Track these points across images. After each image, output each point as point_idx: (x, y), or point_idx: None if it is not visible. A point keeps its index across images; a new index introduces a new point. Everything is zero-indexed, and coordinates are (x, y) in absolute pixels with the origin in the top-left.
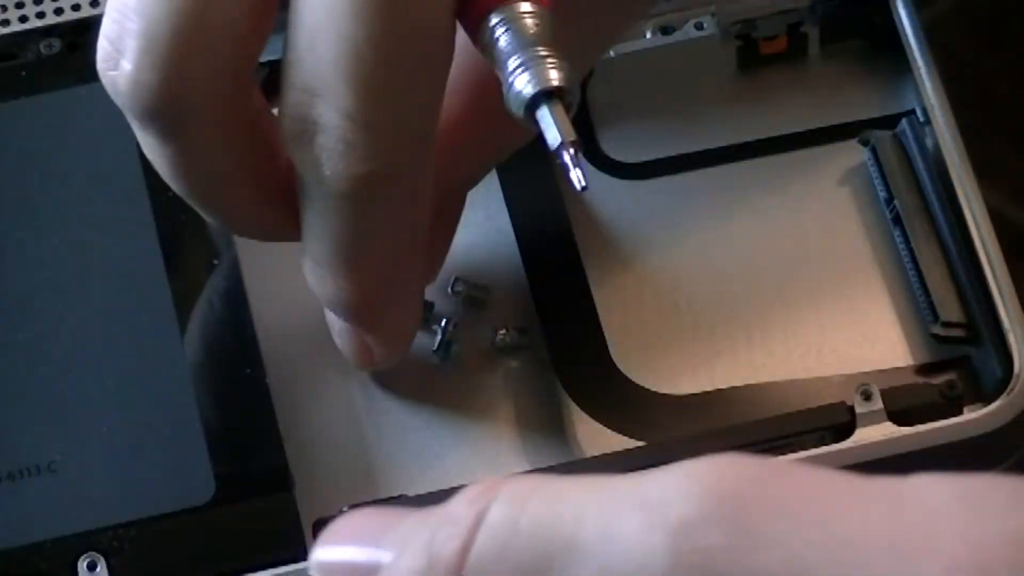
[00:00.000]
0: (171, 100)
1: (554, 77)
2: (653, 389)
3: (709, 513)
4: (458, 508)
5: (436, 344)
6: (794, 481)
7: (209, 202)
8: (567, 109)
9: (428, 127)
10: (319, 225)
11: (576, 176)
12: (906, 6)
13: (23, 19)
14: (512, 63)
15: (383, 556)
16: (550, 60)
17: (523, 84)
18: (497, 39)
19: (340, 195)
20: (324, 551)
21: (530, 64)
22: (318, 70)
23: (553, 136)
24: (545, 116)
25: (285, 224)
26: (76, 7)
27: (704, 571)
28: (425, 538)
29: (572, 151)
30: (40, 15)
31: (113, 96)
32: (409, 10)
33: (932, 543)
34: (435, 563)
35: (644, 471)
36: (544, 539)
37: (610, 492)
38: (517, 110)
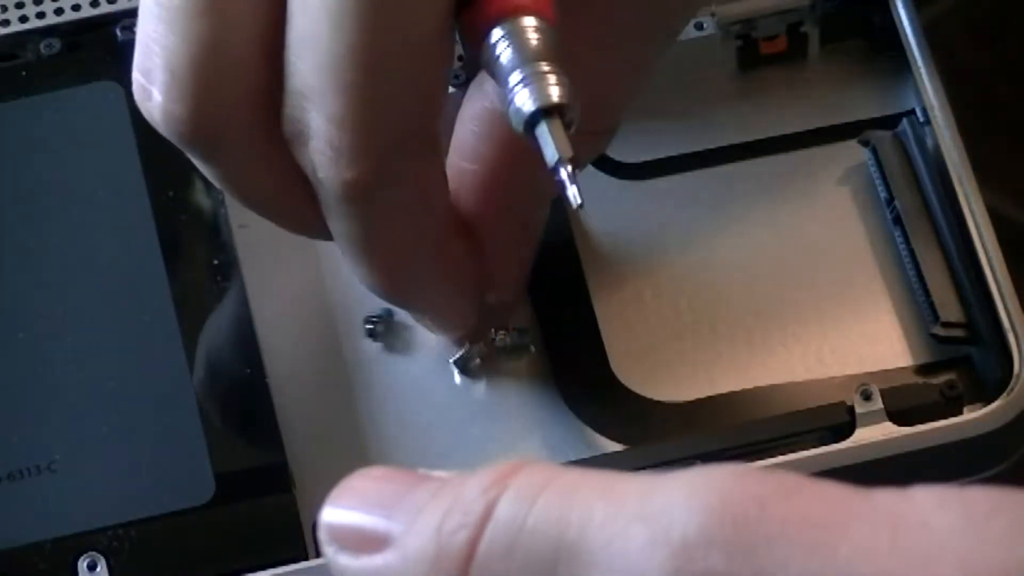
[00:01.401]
0: (201, 129)
1: (554, 93)
2: (652, 398)
3: (711, 533)
4: (470, 494)
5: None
6: (798, 501)
7: (266, 213)
8: (567, 126)
9: (419, 133)
10: (330, 221)
11: (573, 193)
12: (906, 6)
13: (23, 19)
14: (513, 79)
15: (392, 529)
16: (551, 76)
17: (523, 100)
18: (499, 55)
19: (336, 197)
20: (333, 512)
21: (531, 80)
22: (307, 76)
23: (551, 153)
24: (544, 133)
25: None
26: (76, 7)
27: None
28: (435, 521)
29: (570, 168)
30: (40, 15)
31: (153, 125)
32: (394, 20)
33: (932, 571)
34: (443, 552)
35: (654, 475)
36: (550, 540)
37: (618, 498)
38: (517, 126)
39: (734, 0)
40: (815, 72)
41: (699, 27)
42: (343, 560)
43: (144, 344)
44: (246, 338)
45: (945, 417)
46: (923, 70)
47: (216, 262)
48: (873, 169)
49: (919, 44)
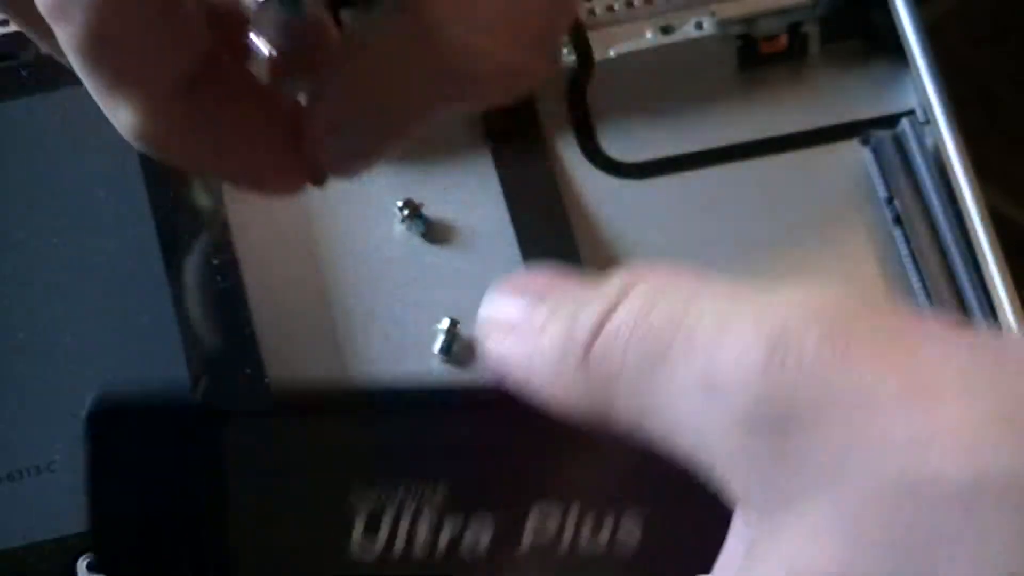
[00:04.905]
0: None
1: None
2: None
3: (809, 324)
4: (608, 288)
5: (437, 344)
6: (881, 318)
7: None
8: None
9: None
10: None
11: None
12: (906, 6)
13: None
14: None
15: (537, 316)
16: None
17: None
18: None
19: None
20: (491, 306)
21: None
22: None
23: None
24: None
25: None
26: None
27: (789, 379)
28: (574, 307)
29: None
30: None
31: None
32: None
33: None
34: (573, 330)
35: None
36: (668, 327)
37: (732, 301)
38: None
39: None
40: (815, 72)
41: (699, 27)
42: (491, 344)
43: (144, 344)
44: (246, 338)
45: None
46: (923, 70)
47: (216, 262)
48: (873, 169)
49: (919, 44)
